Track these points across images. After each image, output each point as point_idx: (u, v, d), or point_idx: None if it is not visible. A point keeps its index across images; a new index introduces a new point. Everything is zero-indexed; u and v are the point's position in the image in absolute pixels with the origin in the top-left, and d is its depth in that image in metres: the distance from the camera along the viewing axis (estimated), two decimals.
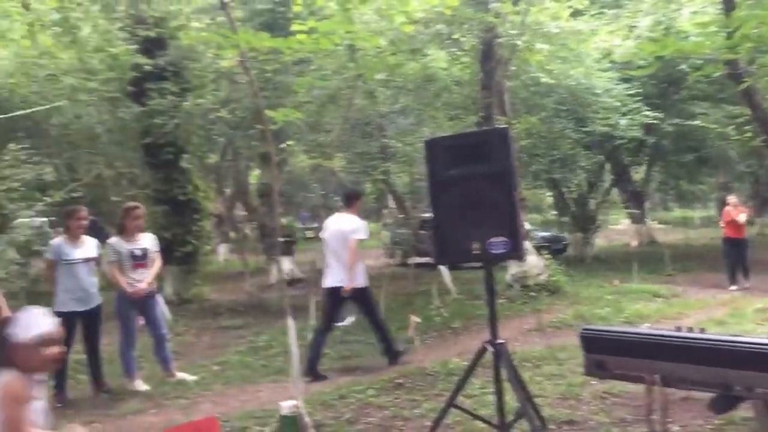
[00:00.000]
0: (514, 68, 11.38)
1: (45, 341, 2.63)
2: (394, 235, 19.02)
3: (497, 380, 4.02)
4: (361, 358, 7.61)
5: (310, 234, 26.23)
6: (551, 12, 10.41)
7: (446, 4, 6.47)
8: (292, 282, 14.35)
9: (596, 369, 4.00)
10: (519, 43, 10.10)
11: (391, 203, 24.44)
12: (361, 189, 8.21)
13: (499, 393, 4.03)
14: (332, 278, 6.99)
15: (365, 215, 33.51)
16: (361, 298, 7.10)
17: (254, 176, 20.07)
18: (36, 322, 2.65)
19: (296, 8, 6.15)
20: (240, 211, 22.03)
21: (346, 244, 6.89)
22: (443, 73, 11.35)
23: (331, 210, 18.91)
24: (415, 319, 7.83)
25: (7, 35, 9.98)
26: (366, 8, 9.67)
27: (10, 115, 11.11)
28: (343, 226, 7.02)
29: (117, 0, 10.46)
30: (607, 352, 3.92)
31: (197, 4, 11.17)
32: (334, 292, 6.95)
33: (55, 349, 2.67)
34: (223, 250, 21.13)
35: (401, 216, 18.43)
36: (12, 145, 9.23)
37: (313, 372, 6.75)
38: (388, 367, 6.95)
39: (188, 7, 11.22)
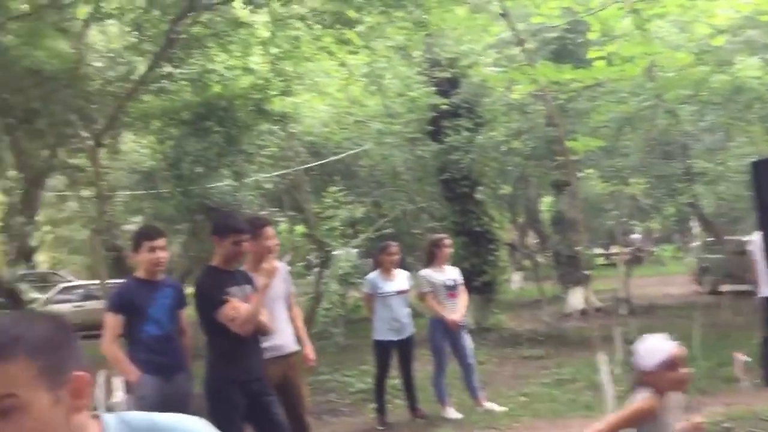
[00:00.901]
0: None
1: (669, 365, 2.82)
2: (702, 261, 17.57)
3: None
4: None
5: (602, 261, 25.23)
6: None
7: (761, 10, 5.85)
8: (590, 311, 13.90)
9: None
10: None
11: (695, 226, 22.57)
12: None
13: None
14: None
15: (665, 239, 31.20)
16: None
17: (545, 204, 19.95)
18: (657, 349, 2.87)
19: (593, 35, 6.02)
20: (532, 239, 22.03)
21: None
22: (755, 82, 10.25)
23: (626, 234, 18.07)
24: (741, 357, 7.07)
25: (324, 90, 11.31)
26: (664, 22, 9.17)
27: (327, 160, 12.48)
28: None
29: (413, 46, 11.22)
30: None
31: (487, 41, 11.52)
32: None
33: (681, 371, 2.85)
34: (517, 278, 21.24)
35: (710, 240, 16.96)
36: (332, 188, 10.34)
37: None
38: (709, 408, 6.37)
39: (479, 45, 11.63)
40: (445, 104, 11.88)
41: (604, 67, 5.28)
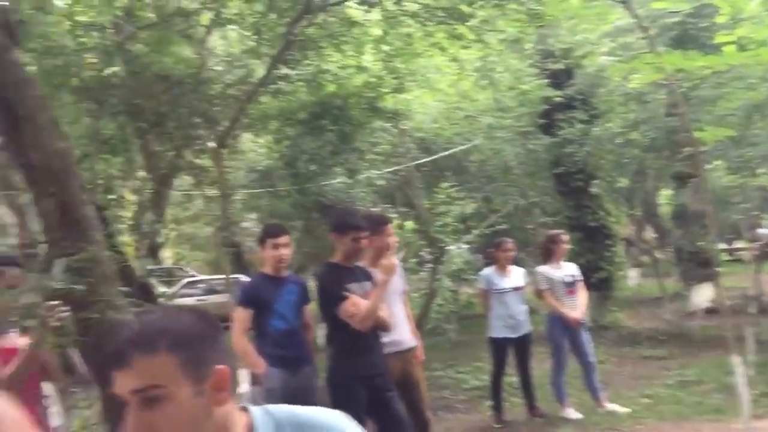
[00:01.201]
0: None
1: None
2: None
3: None
4: None
5: (726, 256, 23.85)
6: None
7: None
8: (714, 310, 13.20)
9: None
10: None
11: None
12: None
13: None
14: None
15: None
16: None
17: (663, 197, 19.10)
18: None
19: (721, 19, 5.68)
20: (650, 234, 21.17)
21: None
22: None
23: (754, 228, 17.00)
24: None
25: (435, 86, 11.32)
26: None
27: (437, 156, 12.48)
28: None
29: (526, 38, 11.02)
30: None
31: (602, 29, 11.14)
32: None
33: None
34: (633, 275, 20.48)
35: None
36: (443, 184, 10.33)
37: None
38: None
39: (594, 34, 11.26)
40: (558, 96, 11.59)
41: (735, 52, 4.97)
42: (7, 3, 4.76)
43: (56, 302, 3.28)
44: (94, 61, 7.80)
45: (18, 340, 3.31)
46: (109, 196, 10.29)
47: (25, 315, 3.36)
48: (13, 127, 3.87)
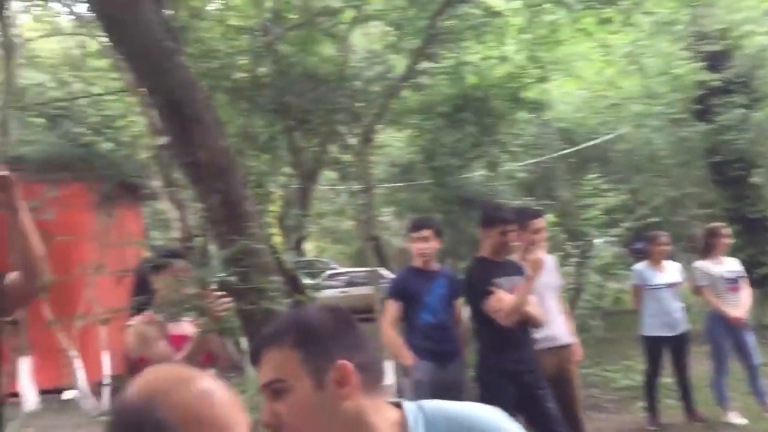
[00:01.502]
0: None
1: None
2: None
3: None
4: None
5: None
6: None
7: None
8: None
9: None
10: None
11: None
12: None
13: None
14: None
15: None
16: None
17: None
18: None
19: None
20: None
21: None
22: None
23: None
24: None
25: (579, 74, 10.94)
26: None
27: (581, 146, 12.06)
28: None
29: (679, 19, 10.39)
30: None
31: (765, 6, 10.33)
32: None
33: None
34: None
35: None
36: (589, 176, 9.96)
37: None
38: None
39: (755, 12, 10.45)
40: (714, 80, 10.84)
41: None
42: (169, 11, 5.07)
43: (220, 292, 3.46)
44: (245, 62, 8.17)
45: (188, 328, 3.51)
46: (259, 191, 10.74)
47: (190, 305, 3.56)
48: (181, 127, 4.13)
